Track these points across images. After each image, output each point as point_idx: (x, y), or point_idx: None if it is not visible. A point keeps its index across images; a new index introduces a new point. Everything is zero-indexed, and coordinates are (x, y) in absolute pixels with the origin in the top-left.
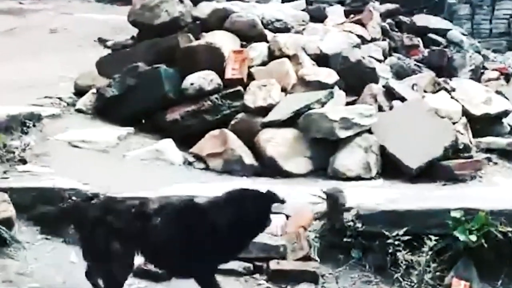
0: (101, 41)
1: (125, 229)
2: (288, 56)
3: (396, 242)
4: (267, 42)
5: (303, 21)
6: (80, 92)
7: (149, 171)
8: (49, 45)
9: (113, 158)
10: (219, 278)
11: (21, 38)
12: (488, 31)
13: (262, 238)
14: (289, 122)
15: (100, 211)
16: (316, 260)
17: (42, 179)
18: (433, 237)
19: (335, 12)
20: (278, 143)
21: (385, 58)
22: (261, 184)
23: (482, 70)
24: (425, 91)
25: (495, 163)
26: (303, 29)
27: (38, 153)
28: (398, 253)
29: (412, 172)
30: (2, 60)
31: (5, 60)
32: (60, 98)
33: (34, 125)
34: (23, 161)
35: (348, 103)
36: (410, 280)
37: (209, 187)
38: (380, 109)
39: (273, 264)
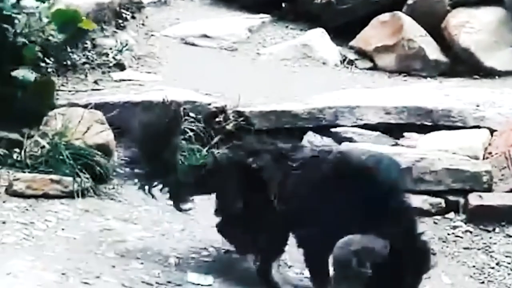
0: None
1: None
2: None
3: None
4: None
5: None
6: None
7: (292, 74)
8: None
9: (243, 57)
10: None
11: None
12: None
13: (457, 162)
14: None
15: None
16: None
17: (147, 90)
18: None
19: None
20: (475, 28)
21: None
22: (450, 88)
23: None
24: None
25: None
26: None
27: (140, 55)
28: None
29: None
30: None
31: None
32: None
33: (133, 17)
34: (121, 66)
35: None
36: None
37: (377, 93)
38: None
39: (474, 199)
